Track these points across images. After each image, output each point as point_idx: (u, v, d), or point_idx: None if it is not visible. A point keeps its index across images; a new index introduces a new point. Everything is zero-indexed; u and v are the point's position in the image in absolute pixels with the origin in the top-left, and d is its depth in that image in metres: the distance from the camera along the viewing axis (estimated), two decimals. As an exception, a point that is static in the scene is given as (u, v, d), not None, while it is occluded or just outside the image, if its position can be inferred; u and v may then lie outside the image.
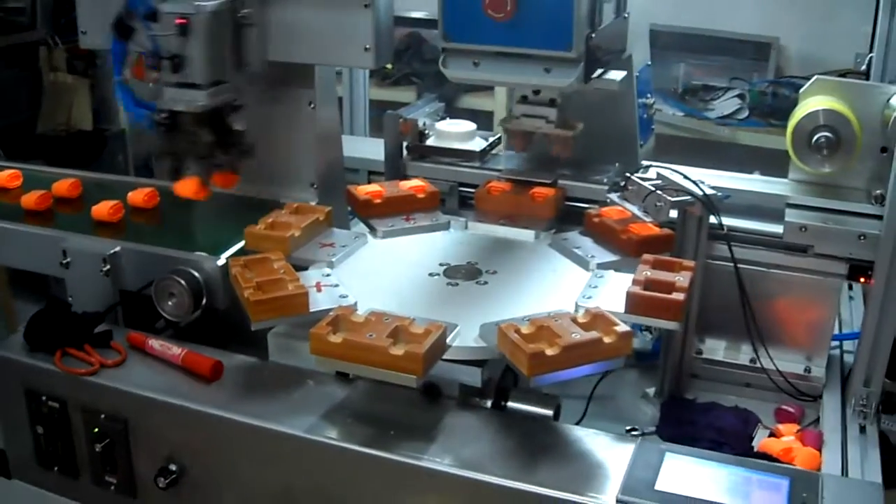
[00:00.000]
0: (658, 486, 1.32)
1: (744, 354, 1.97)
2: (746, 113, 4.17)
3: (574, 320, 1.45)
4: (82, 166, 2.76)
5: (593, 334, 1.40)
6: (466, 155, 2.25)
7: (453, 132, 2.28)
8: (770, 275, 1.93)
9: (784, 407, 1.87)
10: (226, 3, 1.81)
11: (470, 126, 2.30)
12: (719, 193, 1.82)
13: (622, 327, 1.42)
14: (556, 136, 1.93)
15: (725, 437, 1.77)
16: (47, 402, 1.64)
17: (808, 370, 1.94)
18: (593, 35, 1.74)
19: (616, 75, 1.85)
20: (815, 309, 1.92)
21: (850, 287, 2.24)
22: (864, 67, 2.52)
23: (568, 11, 1.65)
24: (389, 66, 4.51)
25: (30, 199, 2.11)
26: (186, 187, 1.94)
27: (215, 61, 1.80)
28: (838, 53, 3.89)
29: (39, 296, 2.23)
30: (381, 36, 1.84)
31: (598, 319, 1.45)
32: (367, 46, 1.83)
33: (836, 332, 2.05)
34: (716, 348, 2.02)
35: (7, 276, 2.81)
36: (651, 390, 1.98)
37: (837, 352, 2.00)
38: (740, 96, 4.24)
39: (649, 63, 2.42)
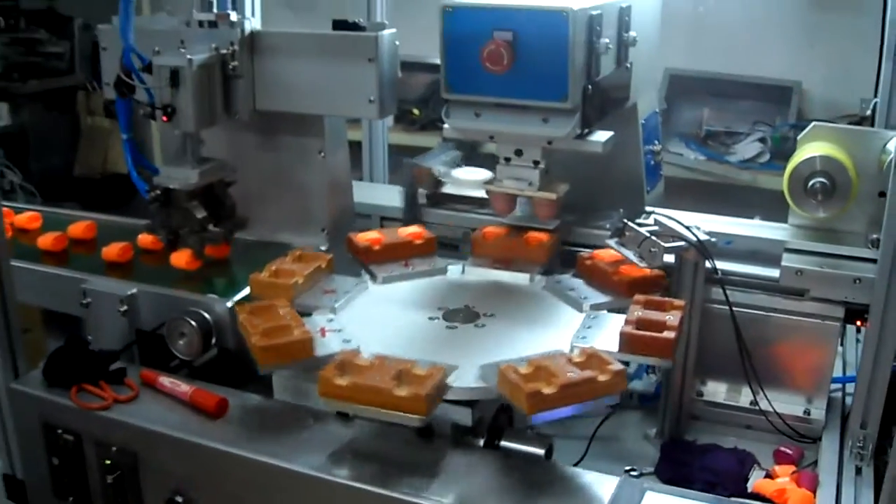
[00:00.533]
0: (636, 523, 1.36)
1: (744, 397, 2.01)
2: (768, 156, 4.19)
3: (570, 360, 1.50)
4: (116, 208, 2.86)
5: (588, 373, 1.45)
6: (481, 202, 2.30)
7: (468, 180, 2.32)
8: (769, 318, 1.97)
9: (783, 449, 1.90)
10: (215, 56, 1.91)
11: (485, 174, 2.34)
12: (713, 239, 1.86)
13: (616, 366, 1.47)
14: (539, 199, 1.98)
15: (720, 477, 1.81)
16: (63, 435, 1.71)
17: (807, 412, 1.97)
18: (590, 86, 1.80)
19: (602, 136, 1.89)
20: (814, 352, 1.96)
21: (858, 330, 2.26)
22: (868, 112, 2.55)
23: (563, 64, 1.72)
24: (416, 111, 4.61)
25: (46, 240, 2.22)
26: (180, 259, 2.06)
27: (204, 110, 1.89)
28: (860, 97, 3.91)
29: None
30: (385, 88, 1.91)
31: (592, 359, 1.50)
32: (372, 98, 1.90)
33: (840, 374, 2.08)
34: (717, 391, 2.06)
35: (41, 315, 2.91)
36: (652, 431, 2.02)
37: (839, 394, 2.01)
38: (762, 140, 4.26)
39: (657, 111, 2.46)
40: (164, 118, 1.86)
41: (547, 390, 1.41)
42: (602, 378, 1.45)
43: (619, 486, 1.46)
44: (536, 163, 1.92)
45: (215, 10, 1.97)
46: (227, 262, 2.14)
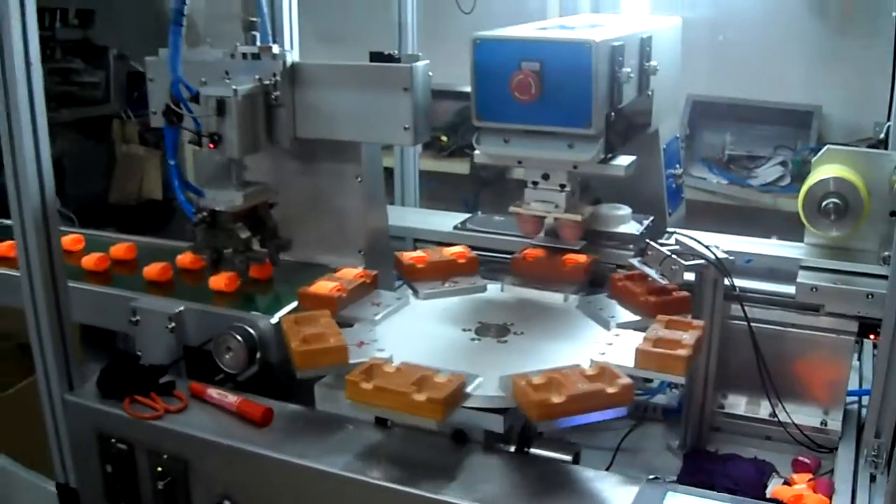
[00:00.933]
0: (657, 523, 1.45)
1: (764, 409, 2.08)
2: (789, 180, 4.25)
3: (582, 373, 1.59)
4: (151, 234, 2.96)
5: (597, 385, 1.54)
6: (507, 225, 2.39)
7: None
8: (786, 333, 2.05)
9: (800, 458, 1.97)
10: (258, 87, 2.01)
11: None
12: (731, 257, 1.95)
13: (624, 380, 1.56)
14: (564, 220, 2.07)
15: (740, 484, 1.88)
16: (116, 444, 1.82)
17: (824, 423, 2.04)
18: (613, 113, 1.90)
19: (624, 160, 1.99)
20: (830, 365, 2.03)
21: (875, 345, 2.32)
22: (882, 136, 2.62)
23: (587, 92, 1.82)
24: (444, 138, 4.71)
25: (90, 261, 2.34)
26: (219, 282, 2.15)
27: (248, 138, 1.98)
28: (879, 120, 3.97)
29: (106, 351, 2.43)
30: (419, 116, 2.01)
31: (604, 372, 1.59)
32: (407, 126, 2.00)
33: (858, 387, 2.15)
34: (737, 403, 2.13)
35: (79, 331, 3.02)
36: (675, 443, 2.10)
37: (856, 406, 2.08)
38: (783, 164, 4.33)
39: (678, 136, 2.56)
40: (211, 145, 1.96)
41: (556, 399, 1.51)
42: (610, 390, 1.54)
43: (642, 489, 1.54)
44: (563, 186, 2.02)
45: (258, 43, 2.07)
46: (267, 282, 2.24)
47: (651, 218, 2.34)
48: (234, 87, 1.94)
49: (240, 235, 2.04)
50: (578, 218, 2.05)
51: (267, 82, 2.03)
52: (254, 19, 2.09)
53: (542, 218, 2.09)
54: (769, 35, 4.42)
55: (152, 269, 2.27)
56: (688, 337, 1.71)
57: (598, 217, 2.29)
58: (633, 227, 2.30)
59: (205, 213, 2.02)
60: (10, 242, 2.49)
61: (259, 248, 2.09)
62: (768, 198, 4.20)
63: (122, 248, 2.44)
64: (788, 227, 2.53)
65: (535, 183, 2.05)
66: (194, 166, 5.90)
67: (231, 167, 2.04)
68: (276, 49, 2.05)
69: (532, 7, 4.12)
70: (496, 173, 4.29)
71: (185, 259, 2.33)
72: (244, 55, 2.07)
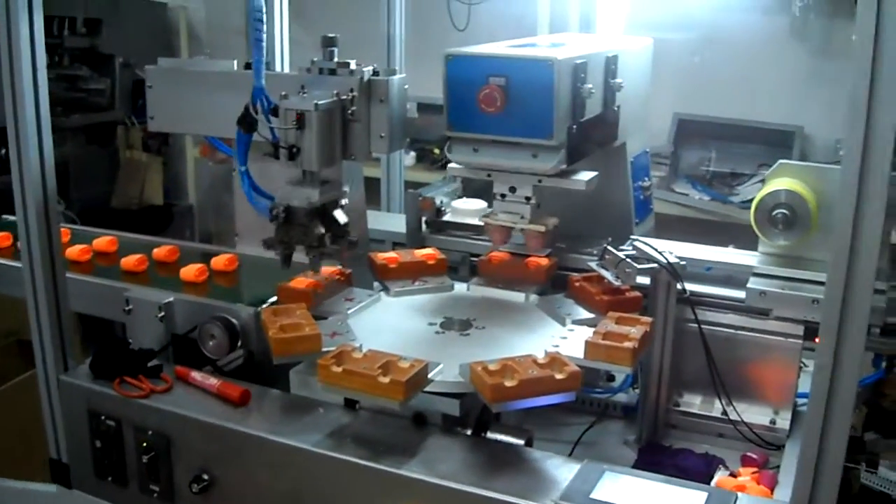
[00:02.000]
0: (593, 496, 1.58)
1: (717, 408, 2.18)
2: (769, 197, 4.37)
3: (535, 361, 1.73)
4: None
5: (547, 372, 1.68)
6: (477, 229, 2.51)
7: (467, 209, 2.58)
8: (738, 336, 2.16)
9: (749, 454, 2.06)
10: (336, 102, 2.04)
11: (481, 204, 2.58)
12: (683, 262, 2.08)
13: (572, 367, 1.70)
14: (529, 231, 2.19)
15: (688, 475, 1.97)
16: (105, 421, 1.96)
17: (773, 422, 2.15)
18: (575, 126, 2.03)
19: (586, 175, 2.12)
20: (779, 366, 2.14)
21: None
22: (842, 153, 2.73)
23: (549, 106, 1.95)
24: (436, 151, 4.85)
25: (73, 252, 2.52)
26: (189, 273, 2.35)
27: (326, 151, 2.02)
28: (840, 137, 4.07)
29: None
30: (395, 126, 2.11)
31: (555, 361, 1.73)
32: (382, 135, 2.10)
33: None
34: (692, 402, 2.24)
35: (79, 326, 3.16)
36: (632, 438, 2.22)
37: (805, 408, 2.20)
38: (763, 181, 4.45)
39: (647, 150, 2.68)
40: (290, 157, 1.99)
41: (508, 384, 1.65)
42: (559, 377, 1.68)
43: (582, 467, 1.68)
44: (528, 199, 2.14)
45: (335, 59, 2.11)
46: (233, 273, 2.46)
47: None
48: (314, 101, 1.97)
49: (315, 232, 2.08)
50: (542, 228, 2.16)
51: (344, 97, 2.06)
52: (332, 35, 2.12)
53: (509, 228, 2.20)
54: (753, 56, 4.57)
55: (129, 261, 2.46)
56: (635, 331, 1.84)
57: (456, 210, 2.55)
58: None
59: (280, 209, 2.06)
60: (3, 233, 2.68)
61: (330, 245, 2.12)
62: (747, 214, 4.28)
63: (104, 241, 2.64)
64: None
65: (503, 195, 2.17)
66: (195, 173, 6.05)
67: (307, 178, 2.07)
68: (353, 65, 2.09)
69: (524, 25, 4.26)
70: (485, 183, 4.42)
71: (160, 252, 2.53)
72: (321, 70, 2.11)
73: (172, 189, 5.73)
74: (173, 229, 5.41)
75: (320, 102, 1.97)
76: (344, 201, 2.16)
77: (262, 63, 2.04)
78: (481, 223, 2.46)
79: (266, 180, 2.16)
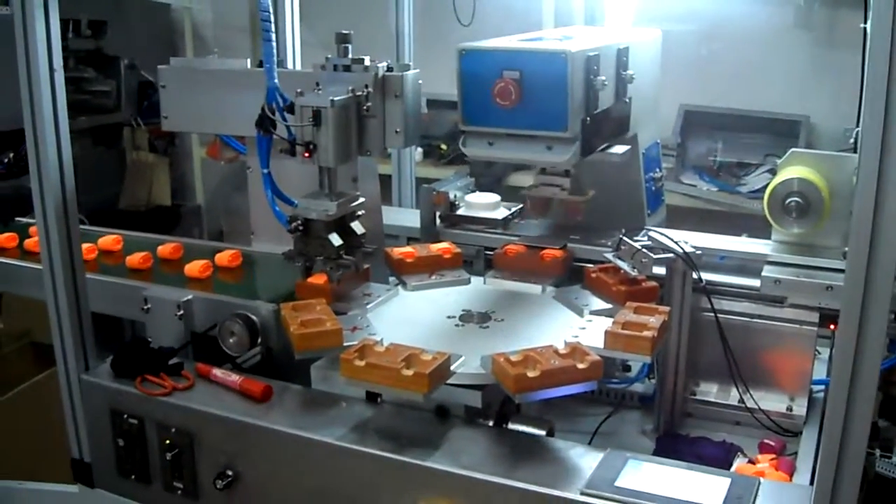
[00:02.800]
0: (618, 483, 1.59)
1: (734, 396, 2.20)
2: (776, 186, 4.38)
3: (556, 352, 1.74)
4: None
5: (569, 362, 1.70)
6: (491, 223, 2.54)
7: (480, 203, 2.59)
8: (753, 324, 2.18)
9: (766, 441, 2.08)
10: (351, 98, 2.05)
11: (495, 198, 2.59)
12: (699, 251, 2.09)
13: (593, 357, 1.71)
14: (569, 201, 2.24)
15: (706, 462, 1.98)
16: (128, 420, 1.97)
17: (790, 409, 2.17)
18: (588, 118, 2.04)
19: (620, 149, 2.16)
20: (795, 354, 2.16)
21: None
22: (851, 141, 2.74)
23: (563, 99, 1.95)
24: (444, 146, 4.86)
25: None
26: (193, 269, 2.37)
27: (342, 147, 2.03)
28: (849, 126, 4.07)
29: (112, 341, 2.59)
30: (409, 121, 2.13)
31: (575, 351, 1.74)
32: (398, 130, 2.12)
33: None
34: (709, 390, 2.26)
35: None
36: (650, 427, 2.24)
37: (821, 395, 2.20)
38: (771, 171, 4.45)
39: (658, 141, 2.69)
40: (306, 154, 2.00)
41: (531, 374, 1.66)
42: (580, 366, 1.69)
43: (606, 456, 1.69)
44: (567, 172, 2.20)
45: (350, 55, 2.13)
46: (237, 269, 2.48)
47: (520, 206, 2.52)
48: (330, 97, 1.98)
49: (332, 244, 2.09)
50: (581, 199, 2.22)
51: (359, 93, 2.08)
52: (346, 32, 2.13)
53: (549, 199, 2.24)
54: (759, 47, 4.55)
55: (135, 258, 2.47)
56: (654, 321, 1.86)
57: (469, 204, 2.56)
58: (500, 213, 2.52)
59: (298, 222, 2.07)
60: (8, 234, 2.72)
61: (347, 257, 2.13)
62: (755, 204, 4.31)
63: (108, 240, 2.66)
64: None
65: (543, 170, 2.22)
66: (202, 174, 6.06)
67: (323, 177, 2.09)
68: (367, 61, 2.11)
69: (529, 20, 4.27)
70: (494, 179, 4.43)
71: (164, 249, 2.55)
72: (335, 66, 2.12)
73: (180, 189, 5.73)
74: (181, 229, 5.41)
75: (336, 98, 1.98)
76: (361, 212, 2.18)
77: (274, 62, 2.05)
78: (495, 217, 2.49)
79: (280, 178, 2.17)
